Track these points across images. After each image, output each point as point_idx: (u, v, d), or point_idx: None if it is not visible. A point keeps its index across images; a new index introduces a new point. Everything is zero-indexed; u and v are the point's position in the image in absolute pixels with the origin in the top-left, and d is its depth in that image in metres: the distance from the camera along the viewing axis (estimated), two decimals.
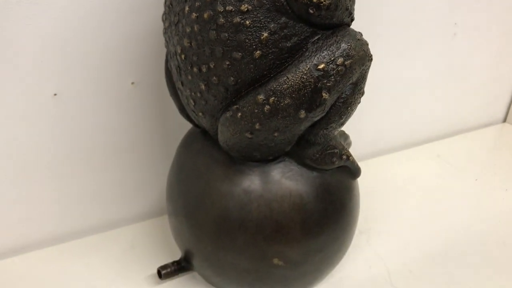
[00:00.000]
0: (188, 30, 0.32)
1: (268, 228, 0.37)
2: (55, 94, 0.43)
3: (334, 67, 0.31)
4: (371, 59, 0.33)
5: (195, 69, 0.33)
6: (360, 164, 0.68)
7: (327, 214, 0.38)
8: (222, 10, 0.30)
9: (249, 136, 0.33)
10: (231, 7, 0.30)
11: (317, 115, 0.33)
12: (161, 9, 0.44)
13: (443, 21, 0.64)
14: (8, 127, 0.43)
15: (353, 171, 0.40)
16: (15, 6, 0.39)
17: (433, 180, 0.63)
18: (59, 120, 0.44)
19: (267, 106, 0.32)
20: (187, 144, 0.42)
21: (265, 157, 0.36)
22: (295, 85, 0.31)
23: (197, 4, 0.31)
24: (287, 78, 0.31)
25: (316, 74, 0.31)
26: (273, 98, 0.31)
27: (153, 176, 0.51)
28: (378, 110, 0.67)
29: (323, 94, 0.31)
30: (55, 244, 0.49)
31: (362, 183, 0.61)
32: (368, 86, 0.63)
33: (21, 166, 0.45)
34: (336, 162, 0.38)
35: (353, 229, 0.42)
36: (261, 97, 0.32)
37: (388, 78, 0.65)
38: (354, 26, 0.59)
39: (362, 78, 0.34)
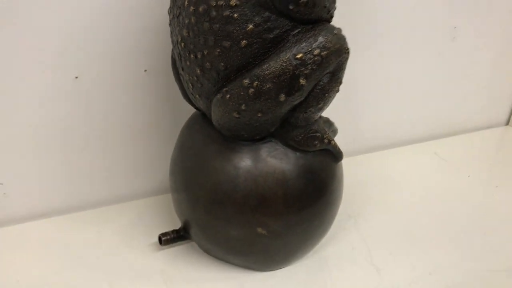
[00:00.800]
0: (186, 21, 0.37)
1: (253, 200, 0.41)
2: (76, 77, 0.49)
3: (311, 57, 0.36)
4: (348, 52, 0.38)
5: (192, 56, 0.38)
6: (360, 157, 0.72)
7: (308, 191, 0.42)
8: (214, 5, 0.35)
9: (237, 115, 0.38)
10: (222, 2, 0.34)
11: (296, 99, 0.37)
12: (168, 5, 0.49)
13: (442, 24, 0.67)
14: (35, 105, 0.49)
15: (336, 155, 0.44)
16: None
17: (427, 174, 0.66)
18: (79, 100, 0.50)
19: (252, 89, 0.36)
20: (189, 125, 0.47)
21: (252, 136, 0.40)
22: (276, 71, 0.36)
23: None
24: (269, 65, 0.36)
25: (294, 62, 0.35)
26: (256, 82, 0.36)
27: (162, 155, 0.56)
28: (379, 108, 0.70)
29: (301, 80, 0.36)
30: (72, 212, 0.55)
31: (359, 174, 0.66)
32: (371, 85, 0.67)
33: (44, 141, 0.51)
34: (318, 145, 0.42)
35: (333, 208, 0.46)
36: (246, 81, 0.36)
37: (389, 78, 0.68)
38: (356, 27, 0.63)
39: (340, 69, 0.38)
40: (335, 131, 0.47)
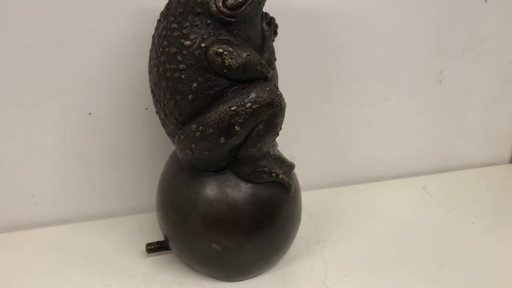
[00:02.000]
0: (153, 78, 0.48)
1: (209, 220, 0.50)
2: (90, 113, 0.62)
3: (244, 109, 0.45)
4: (280, 105, 0.46)
5: (158, 104, 0.48)
6: (347, 188, 0.78)
7: (256, 215, 0.51)
8: (168, 67, 0.45)
9: (190, 152, 0.48)
10: (174, 66, 0.45)
11: (234, 141, 0.46)
12: None
13: (427, 69, 0.73)
14: (57, 135, 0.62)
15: (286, 187, 0.52)
16: (64, 48, 0.58)
17: (408, 207, 0.71)
18: (92, 131, 0.62)
19: (198, 133, 0.46)
20: (170, 157, 0.57)
21: (206, 169, 0.50)
22: (216, 119, 0.45)
23: (156, 62, 0.46)
24: (211, 114, 0.45)
25: (230, 113, 0.45)
26: (201, 127, 0.46)
27: (157, 179, 0.67)
28: (370, 144, 0.76)
29: (236, 127, 0.45)
30: (84, 221, 0.66)
31: (341, 203, 0.72)
32: (364, 124, 0.74)
33: (64, 164, 0.63)
34: (266, 178, 0.50)
35: (284, 231, 0.53)
36: (194, 126, 0.46)
37: (380, 117, 0.75)
38: (346, 70, 0.71)
39: (273, 118, 0.46)
40: (290, 166, 0.55)
